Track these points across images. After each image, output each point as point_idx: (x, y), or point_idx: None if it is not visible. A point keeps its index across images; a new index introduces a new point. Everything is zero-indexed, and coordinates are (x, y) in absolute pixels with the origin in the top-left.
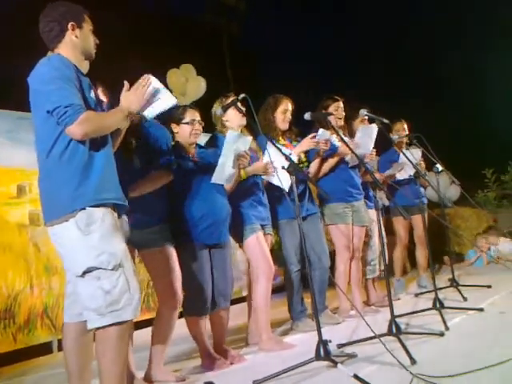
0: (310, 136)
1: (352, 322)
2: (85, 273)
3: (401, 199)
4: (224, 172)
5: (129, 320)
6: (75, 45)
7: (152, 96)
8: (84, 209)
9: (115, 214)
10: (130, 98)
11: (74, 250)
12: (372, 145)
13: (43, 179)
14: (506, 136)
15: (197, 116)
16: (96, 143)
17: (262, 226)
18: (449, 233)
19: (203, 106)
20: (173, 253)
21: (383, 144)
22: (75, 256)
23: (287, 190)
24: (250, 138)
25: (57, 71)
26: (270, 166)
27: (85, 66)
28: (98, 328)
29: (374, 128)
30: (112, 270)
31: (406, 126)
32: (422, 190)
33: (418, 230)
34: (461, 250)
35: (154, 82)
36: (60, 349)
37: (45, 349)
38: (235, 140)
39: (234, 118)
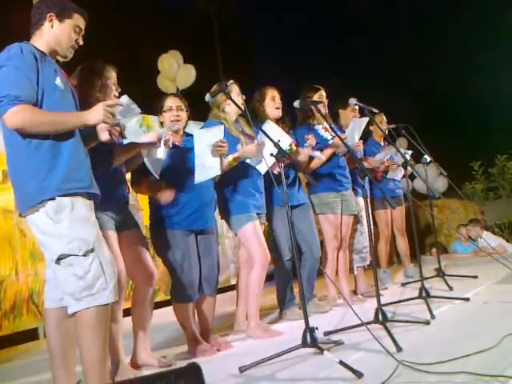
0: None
1: (339, 310)
2: (59, 260)
3: (380, 192)
4: (205, 170)
5: (105, 304)
6: (49, 35)
7: (123, 113)
8: (53, 198)
9: (88, 202)
10: (94, 112)
11: (48, 238)
12: (359, 136)
13: (12, 170)
14: (494, 129)
15: (176, 102)
16: (61, 134)
17: (258, 215)
18: (436, 224)
19: (192, 94)
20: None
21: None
22: (49, 244)
23: (263, 172)
24: (221, 127)
25: (8, 60)
26: (260, 146)
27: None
28: (77, 313)
29: (365, 120)
30: (84, 255)
31: (385, 118)
32: (402, 182)
33: (397, 222)
34: (447, 242)
35: (125, 100)
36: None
37: (31, 335)
38: (203, 136)
39: (232, 105)
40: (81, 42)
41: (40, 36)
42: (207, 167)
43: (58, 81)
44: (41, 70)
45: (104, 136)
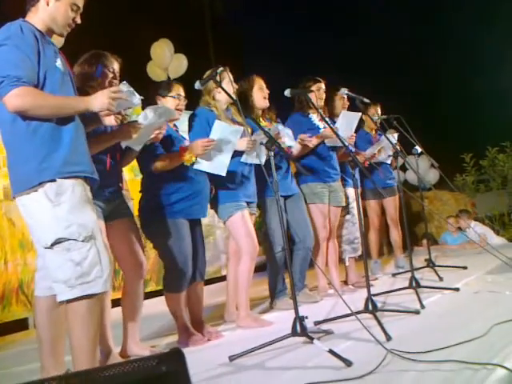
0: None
1: (330, 300)
2: (54, 244)
3: (371, 183)
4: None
5: (99, 293)
6: (44, 12)
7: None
8: (54, 180)
9: (87, 187)
10: (99, 98)
11: (43, 221)
12: (353, 131)
13: (9, 151)
14: (485, 121)
15: (182, 91)
16: (62, 117)
17: (248, 204)
18: (427, 215)
19: (183, 83)
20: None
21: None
22: (44, 227)
23: (263, 163)
24: (240, 129)
25: (8, 40)
26: (252, 141)
27: (57, 40)
28: (68, 301)
29: (357, 116)
30: (83, 241)
31: (379, 110)
32: (394, 172)
33: (391, 212)
34: (438, 233)
35: (126, 87)
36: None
37: (20, 325)
38: (223, 129)
39: (223, 93)
40: (78, 21)
41: (35, 13)
42: (212, 160)
43: (59, 62)
44: (42, 51)
45: (108, 121)
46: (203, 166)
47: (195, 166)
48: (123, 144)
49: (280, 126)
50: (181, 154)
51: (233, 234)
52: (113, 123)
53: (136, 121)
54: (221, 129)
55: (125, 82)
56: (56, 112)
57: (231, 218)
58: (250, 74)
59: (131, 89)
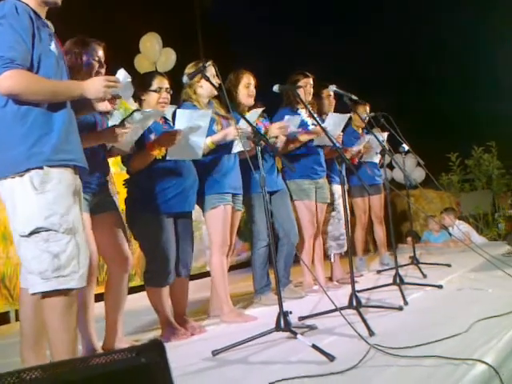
0: (278, 125)
1: (315, 296)
2: (32, 233)
3: (358, 179)
4: (181, 150)
5: (75, 288)
6: None
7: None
8: (41, 167)
9: (76, 176)
10: (95, 85)
11: (24, 208)
12: (339, 131)
13: None
14: (471, 121)
15: (165, 83)
16: (54, 103)
17: (234, 196)
18: (412, 213)
19: (171, 77)
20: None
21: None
22: (24, 214)
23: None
24: (208, 112)
25: (3, 19)
26: (239, 129)
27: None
28: (45, 296)
29: (345, 118)
30: (63, 233)
31: (368, 109)
32: (380, 170)
33: (376, 210)
34: (423, 231)
35: (123, 76)
36: (18, 319)
37: (2, 319)
38: (187, 116)
39: (204, 87)
40: None
41: None
42: (183, 148)
43: (53, 46)
44: (37, 34)
45: (102, 106)
46: (176, 155)
47: (167, 157)
48: (109, 145)
49: (287, 117)
50: (150, 149)
51: (209, 226)
52: (109, 108)
53: (123, 123)
54: (185, 117)
55: (122, 69)
56: (50, 97)
57: (213, 210)
58: (238, 68)
59: (128, 79)
